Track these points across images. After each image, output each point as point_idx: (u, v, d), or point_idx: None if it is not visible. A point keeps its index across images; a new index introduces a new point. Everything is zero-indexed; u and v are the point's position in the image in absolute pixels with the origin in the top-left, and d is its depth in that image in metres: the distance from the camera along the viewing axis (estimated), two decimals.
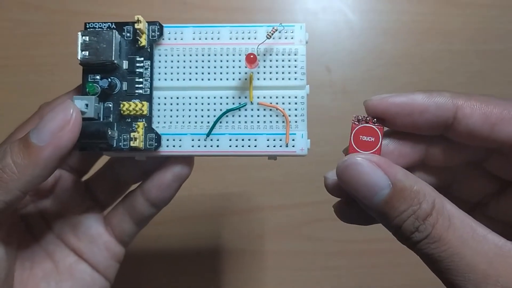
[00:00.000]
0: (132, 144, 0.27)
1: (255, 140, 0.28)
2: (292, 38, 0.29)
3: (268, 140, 0.28)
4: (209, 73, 0.29)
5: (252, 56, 0.27)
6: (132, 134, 0.27)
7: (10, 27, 0.49)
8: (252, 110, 0.28)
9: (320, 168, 0.42)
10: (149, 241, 0.45)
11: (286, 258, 0.46)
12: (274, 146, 0.28)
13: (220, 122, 0.28)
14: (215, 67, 0.29)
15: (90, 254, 0.31)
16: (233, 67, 0.29)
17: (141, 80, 0.28)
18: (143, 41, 0.28)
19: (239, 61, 0.29)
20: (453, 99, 0.23)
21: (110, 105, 0.28)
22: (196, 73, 0.29)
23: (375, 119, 0.25)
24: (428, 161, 0.26)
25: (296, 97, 0.29)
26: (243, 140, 0.28)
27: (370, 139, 0.25)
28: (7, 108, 0.48)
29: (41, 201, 0.31)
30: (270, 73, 0.29)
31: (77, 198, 0.31)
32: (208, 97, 0.29)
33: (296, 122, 0.28)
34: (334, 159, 0.25)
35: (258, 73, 0.29)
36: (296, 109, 0.29)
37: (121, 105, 0.28)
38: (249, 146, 0.28)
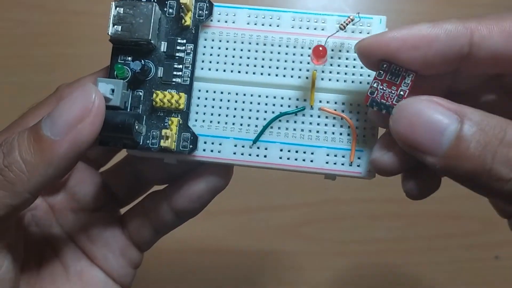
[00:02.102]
0: (162, 143, 0.22)
1: (312, 153, 0.23)
2: (368, 33, 0.23)
3: (328, 155, 0.23)
4: (262, 66, 0.24)
5: (321, 49, 0.22)
6: (163, 131, 0.22)
7: (10, 27, 0.49)
8: (311, 116, 0.23)
9: None
10: None
11: (286, 258, 0.45)
12: (335, 164, 0.23)
13: (271, 128, 0.23)
14: (270, 60, 0.23)
15: (103, 260, 0.27)
16: (293, 61, 0.23)
17: (180, 66, 0.23)
18: (188, 20, 0.23)
19: (301, 55, 0.23)
20: (464, 23, 0.19)
21: (141, 94, 0.23)
22: (247, 65, 0.24)
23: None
24: None
25: (367, 106, 0.23)
26: (297, 152, 0.23)
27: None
28: (6, 108, 0.46)
29: (51, 195, 0.27)
30: (338, 73, 0.23)
31: (92, 193, 0.27)
32: (259, 96, 0.23)
33: (364, 136, 0.23)
34: None
35: (323, 71, 0.23)
36: (365, 120, 0.23)
37: (154, 95, 0.23)
38: (303, 160, 0.23)
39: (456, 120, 0.18)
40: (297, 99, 0.23)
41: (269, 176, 0.45)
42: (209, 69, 0.24)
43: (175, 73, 0.23)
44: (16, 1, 0.49)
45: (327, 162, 0.23)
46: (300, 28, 0.24)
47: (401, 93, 0.20)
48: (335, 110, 0.23)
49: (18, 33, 0.49)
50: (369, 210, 0.45)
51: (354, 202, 0.45)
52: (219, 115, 0.23)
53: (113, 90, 0.22)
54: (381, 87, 0.21)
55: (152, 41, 0.23)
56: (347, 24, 0.23)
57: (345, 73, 0.23)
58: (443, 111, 0.18)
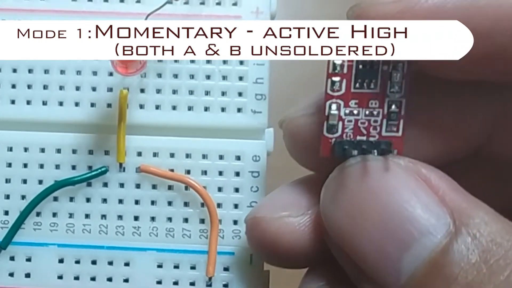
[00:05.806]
0: None
1: (127, 264, 0.12)
2: (235, 4, 0.11)
3: (160, 267, 0.12)
4: (15, 88, 0.12)
5: None
6: None
7: None
8: (122, 186, 0.12)
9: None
10: None
11: None
12: (176, 284, 0.11)
13: (38, 216, 0.12)
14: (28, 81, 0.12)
15: None
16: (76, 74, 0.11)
17: None
18: None
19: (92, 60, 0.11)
20: None
21: None
22: None
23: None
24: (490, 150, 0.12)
25: (240, 158, 0.11)
26: (94, 263, 0.12)
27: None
28: None
29: None
30: (175, 91, 0.11)
31: None
32: (11, 149, 0.11)
33: (236, 223, 0.11)
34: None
35: (142, 90, 0.11)
36: (237, 190, 0.12)
37: None
38: (109, 279, 0.12)
39: (445, 226, 0.09)
40: (91, 152, 0.11)
41: None
42: None
43: None
44: None
45: (159, 282, 0.11)
46: (92, 1, 0.11)
47: (394, 108, 0.10)
48: (170, 170, 0.11)
49: None
50: None
51: None
52: None
53: None
54: (347, 112, 0.10)
55: None
56: None
57: (189, 91, 0.11)
58: (433, 202, 0.10)
